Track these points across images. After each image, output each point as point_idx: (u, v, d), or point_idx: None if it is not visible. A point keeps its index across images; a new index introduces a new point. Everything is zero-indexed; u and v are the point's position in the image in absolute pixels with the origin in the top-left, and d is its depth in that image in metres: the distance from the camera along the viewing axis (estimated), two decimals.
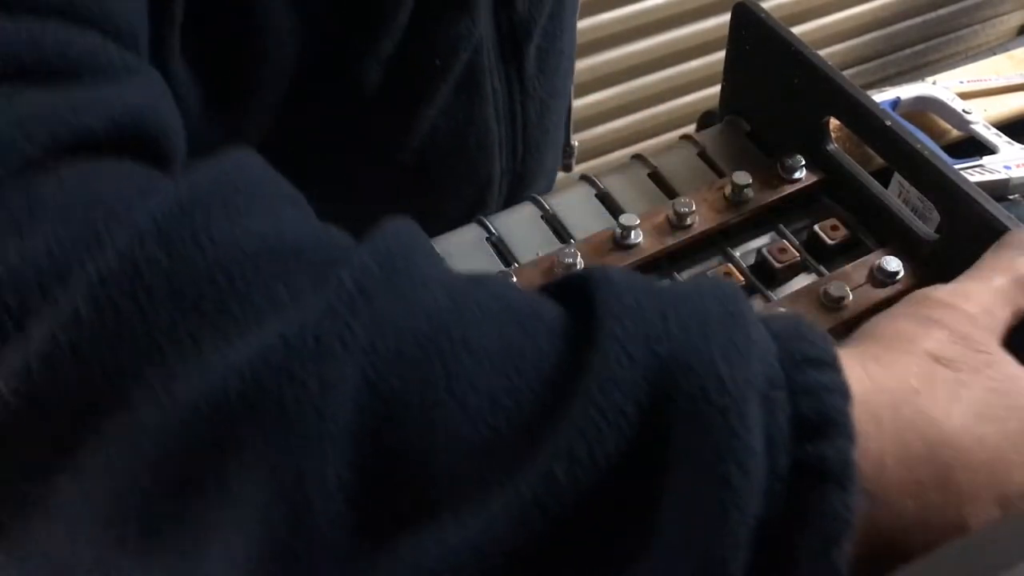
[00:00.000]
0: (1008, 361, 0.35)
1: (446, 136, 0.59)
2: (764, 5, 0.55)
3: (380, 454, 0.26)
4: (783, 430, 0.26)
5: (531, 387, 0.27)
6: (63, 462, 0.26)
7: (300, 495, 0.25)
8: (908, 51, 2.14)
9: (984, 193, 0.47)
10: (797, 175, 0.54)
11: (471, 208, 0.65)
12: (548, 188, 0.82)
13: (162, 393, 0.25)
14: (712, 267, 0.51)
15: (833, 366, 0.28)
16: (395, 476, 0.26)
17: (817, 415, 0.27)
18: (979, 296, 0.37)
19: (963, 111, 0.94)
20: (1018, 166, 0.88)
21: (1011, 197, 0.87)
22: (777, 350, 0.28)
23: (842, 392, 0.28)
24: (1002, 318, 0.37)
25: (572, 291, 0.30)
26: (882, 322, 0.37)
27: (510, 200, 0.68)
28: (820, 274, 0.51)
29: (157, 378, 0.26)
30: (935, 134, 0.96)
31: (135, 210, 0.27)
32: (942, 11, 2.11)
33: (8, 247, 0.26)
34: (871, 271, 0.49)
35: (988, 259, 0.41)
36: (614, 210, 0.54)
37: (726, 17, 0.56)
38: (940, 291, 0.38)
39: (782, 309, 0.47)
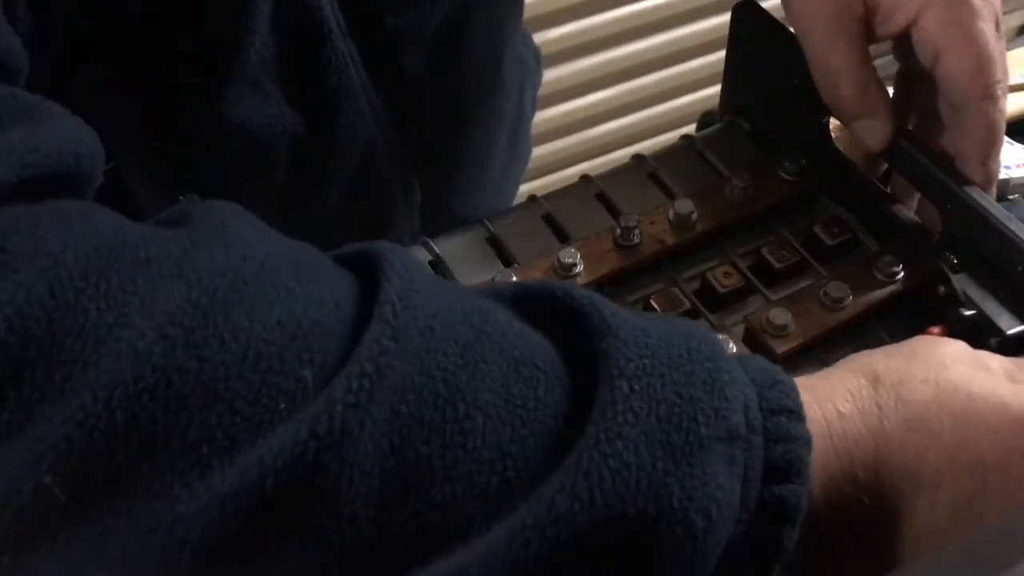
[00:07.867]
0: None
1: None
2: (764, 5, 0.55)
3: (404, 507, 0.29)
4: (757, 472, 0.31)
5: (534, 435, 0.30)
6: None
7: (336, 562, 0.29)
8: None
9: (984, 193, 0.47)
10: (797, 175, 0.54)
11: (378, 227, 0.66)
12: (505, 200, 0.81)
13: (200, 490, 0.28)
14: (712, 267, 0.51)
15: (800, 416, 0.33)
16: (416, 520, 0.29)
17: (785, 462, 0.32)
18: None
19: None
20: (1018, 166, 0.88)
21: (1011, 197, 0.86)
22: (756, 397, 0.32)
23: (806, 442, 0.32)
24: None
25: (572, 327, 0.33)
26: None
27: (434, 217, 0.69)
28: (820, 274, 0.51)
29: (195, 475, 0.28)
30: None
31: (156, 316, 0.29)
32: None
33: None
34: (871, 271, 0.49)
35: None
36: (614, 210, 0.54)
37: (726, 17, 0.56)
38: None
39: (780, 309, 0.47)
